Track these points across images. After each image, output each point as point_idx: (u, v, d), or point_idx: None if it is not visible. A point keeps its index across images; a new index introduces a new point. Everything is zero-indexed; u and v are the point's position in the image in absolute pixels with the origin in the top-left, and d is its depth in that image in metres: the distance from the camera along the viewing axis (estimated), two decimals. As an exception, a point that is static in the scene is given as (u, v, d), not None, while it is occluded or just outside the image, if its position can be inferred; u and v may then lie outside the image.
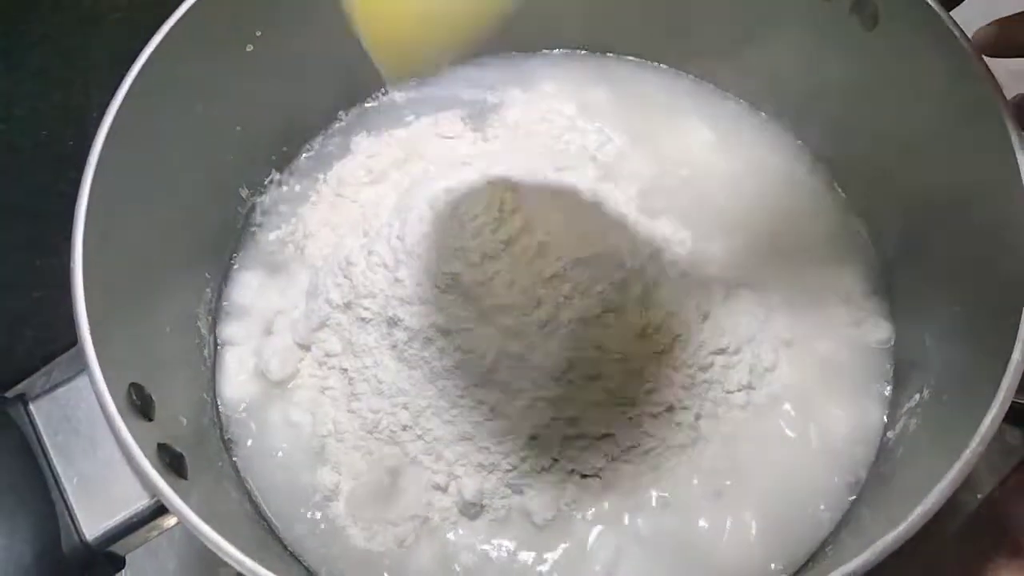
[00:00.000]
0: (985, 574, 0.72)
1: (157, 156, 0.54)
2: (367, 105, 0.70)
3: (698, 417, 0.55)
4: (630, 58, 0.71)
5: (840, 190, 0.64)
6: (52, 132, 0.65)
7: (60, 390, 0.45)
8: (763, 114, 0.68)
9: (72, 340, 0.70)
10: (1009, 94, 0.48)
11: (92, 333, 0.43)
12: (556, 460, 0.53)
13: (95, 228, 0.47)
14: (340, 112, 0.69)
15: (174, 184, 0.56)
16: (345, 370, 0.57)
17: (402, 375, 0.54)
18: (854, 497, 0.54)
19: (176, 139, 0.55)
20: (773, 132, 0.67)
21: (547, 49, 0.72)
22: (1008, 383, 0.39)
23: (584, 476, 0.54)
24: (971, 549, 0.69)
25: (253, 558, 0.38)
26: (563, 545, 0.53)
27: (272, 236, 0.65)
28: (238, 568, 0.38)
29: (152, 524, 0.43)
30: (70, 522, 0.42)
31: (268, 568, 0.38)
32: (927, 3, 0.50)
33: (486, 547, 0.53)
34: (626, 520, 0.54)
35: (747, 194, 0.64)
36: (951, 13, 0.50)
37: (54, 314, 0.68)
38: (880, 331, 0.58)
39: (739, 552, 0.53)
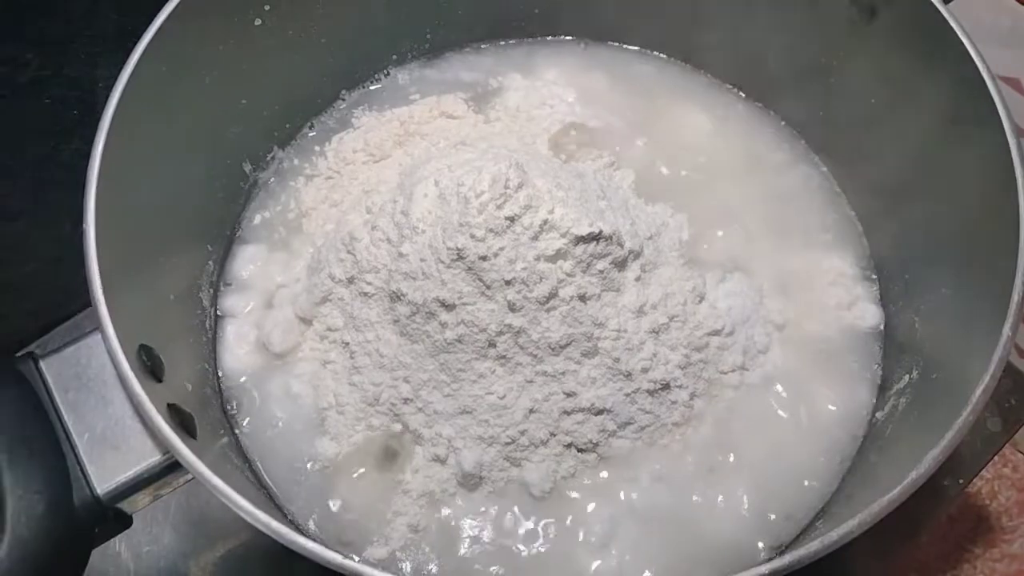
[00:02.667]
0: (962, 563, 0.74)
1: (164, 128, 0.54)
2: (371, 87, 0.70)
3: (693, 396, 0.56)
4: (629, 47, 0.72)
5: (832, 177, 0.66)
6: (56, 102, 0.65)
7: (70, 349, 0.45)
8: (759, 103, 0.69)
9: (68, 312, 0.71)
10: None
11: (104, 292, 0.44)
12: (554, 434, 0.54)
13: (105, 196, 0.47)
14: (343, 91, 0.70)
15: (180, 156, 0.56)
16: (347, 344, 0.58)
17: (404, 349, 0.55)
18: (844, 474, 0.55)
19: (183, 111, 0.56)
20: (768, 120, 0.69)
21: (548, 36, 0.73)
22: (998, 356, 0.41)
23: (581, 450, 0.55)
24: (949, 538, 0.71)
25: (264, 511, 0.39)
26: (560, 517, 0.54)
27: (274, 211, 0.65)
28: (249, 520, 0.39)
29: (162, 481, 0.44)
30: (81, 476, 0.42)
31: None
32: (924, -4, 0.52)
33: (484, 518, 0.54)
34: (621, 494, 0.55)
35: (742, 180, 0.65)
36: (948, 6, 0.51)
37: (51, 285, 0.68)
38: (870, 314, 0.60)
39: (731, 526, 0.54)
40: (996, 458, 0.78)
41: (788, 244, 0.63)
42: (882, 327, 0.60)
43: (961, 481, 0.67)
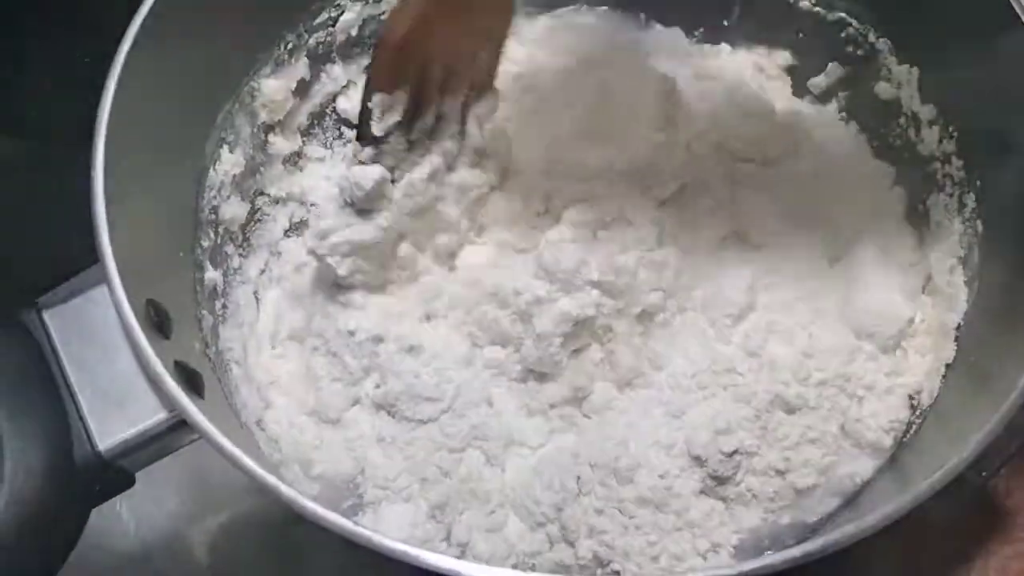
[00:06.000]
0: (977, 558, 0.73)
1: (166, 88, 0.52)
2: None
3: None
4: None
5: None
6: (66, 51, 0.63)
7: (75, 300, 0.44)
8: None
9: (78, 266, 0.69)
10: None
11: (112, 244, 0.42)
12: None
13: (112, 144, 0.46)
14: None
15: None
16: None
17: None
18: (881, 463, 0.54)
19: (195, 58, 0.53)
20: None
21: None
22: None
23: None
24: (965, 532, 0.69)
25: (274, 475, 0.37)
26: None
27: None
28: (257, 480, 0.37)
29: (166, 440, 0.42)
30: (83, 431, 0.41)
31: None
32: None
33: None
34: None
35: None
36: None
37: (62, 236, 0.66)
38: (911, 304, 0.58)
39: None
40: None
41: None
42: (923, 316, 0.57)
43: (984, 474, 0.65)
